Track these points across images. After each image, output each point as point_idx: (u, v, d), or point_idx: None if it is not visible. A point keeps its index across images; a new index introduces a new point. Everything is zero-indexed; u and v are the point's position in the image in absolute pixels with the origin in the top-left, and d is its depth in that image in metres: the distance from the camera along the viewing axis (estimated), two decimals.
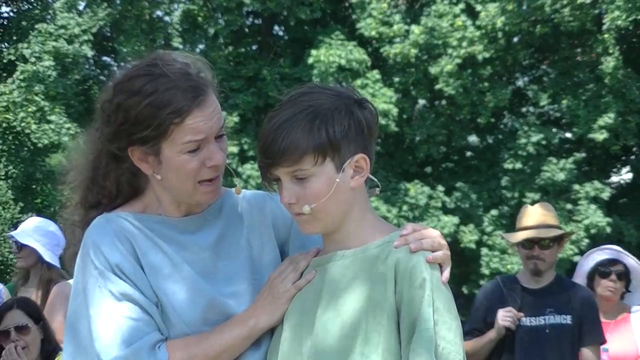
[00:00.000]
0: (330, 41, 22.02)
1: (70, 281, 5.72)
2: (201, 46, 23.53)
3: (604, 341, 5.73)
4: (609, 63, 20.93)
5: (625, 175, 24.95)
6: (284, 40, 24.63)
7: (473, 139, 24.83)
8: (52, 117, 21.48)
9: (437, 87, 22.00)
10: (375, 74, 22.02)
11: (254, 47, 24.40)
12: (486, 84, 22.25)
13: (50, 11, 22.61)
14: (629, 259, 6.20)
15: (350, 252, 2.37)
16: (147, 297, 2.39)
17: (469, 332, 5.68)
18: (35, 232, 6.26)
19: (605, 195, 21.80)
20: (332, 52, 21.57)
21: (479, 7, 21.75)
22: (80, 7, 23.84)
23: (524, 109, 24.44)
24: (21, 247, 6.27)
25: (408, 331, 2.25)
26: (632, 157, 24.24)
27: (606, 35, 20.92)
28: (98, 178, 2.53)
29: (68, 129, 21.54)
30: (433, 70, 21.85)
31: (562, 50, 22.84)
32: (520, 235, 5.77)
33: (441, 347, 2.24)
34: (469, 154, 24.74)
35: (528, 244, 5.73)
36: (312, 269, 2.43)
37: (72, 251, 2.57)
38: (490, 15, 21.41)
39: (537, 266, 5.70)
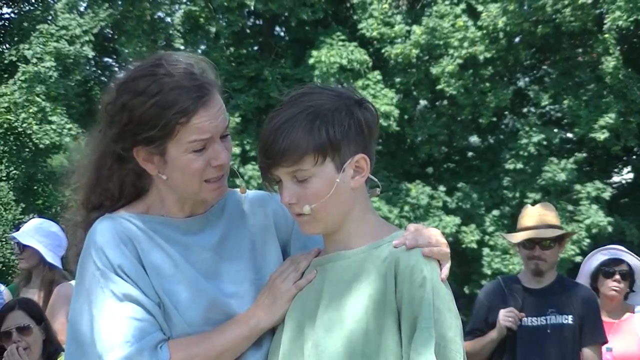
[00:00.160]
0: (332, 42, 22.03)
1: (72, 282, 5.73)
2: (202, 47, 23.54)
3: (605, 341, 5.72)
4: (609, 63, 20.94)
5: (626, 175, 24.95)
6: (285, 41, 24.64)
7: (474, 139, 24.85)
8: (54, 118, 21.50)
9: (439, 87, 22.01)
10: (377, 75, 22.02)
11: (255, 48, 24.41)
12: (487, 84, 22.26)
13: (52, 12, 22.64)
14: (633, 259, 6.19)
15: (350, 253, 2.38)
16: (149, 298, 2.39)
17: (470, 332, 5.68)
18: (37, 233, 6.26)
19: (607, 195, 21.80)
20: (333, 53, 21.58)
21: (480, 8, 21.76)
22: (82, 8, 23.85)
23: (525, 109, 24.45)
24: (23, 248, 6.27)
25: (409, 330, 2.26)
26: (634, 157, 24.24)
27: (607, 35, 20.92)
28: (101, 179, 2.53)
29: (69, 129, 21.56)
30: (434, 70, 21.86)
31: (563, 51, 22.85)
32: (521, 236, 5.76)
33: (441, 346, 2.24)
34: (470, 154, 24.75)
35: (529, 244, 5.72)
36: (313, 269, 2.43)
37: (75, 252, 2.57)
38: (491, 16, 21.42)
39: (538, 266, 5.69)
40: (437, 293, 2.27)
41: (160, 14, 24.61)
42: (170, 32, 24.41)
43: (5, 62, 21.98)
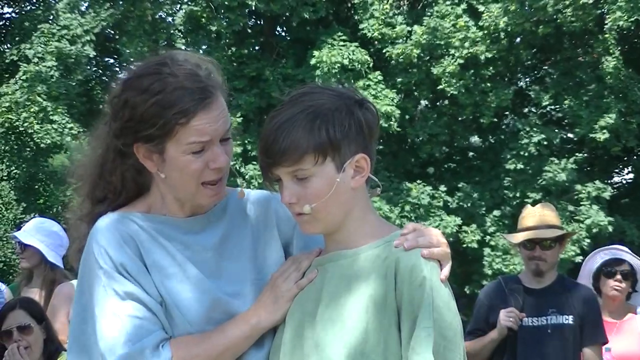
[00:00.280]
0: (333, 42, 22.02)
1: (73, 282, 5.74)
2: (204, 47, 23.53)
3: (605, 341, 5.72)
4: (610, 63, 20.94)
5: (627, 175, 24.95)
6: (287, 41, 24.63)
7: (475, 139, 24.85)
8: (55, 118, 21.52)
9: (440, 87, 21.99)
10: (378, 75, 22.02)
11: (256, 48, 24.40)
12: (488, 85, 22.25)
13: (53, 12, 22.67)
14: (634, 259, 6.19)
15: (351, 252, 2.38)
16: (152, 296, 2.40)
17: (471, 332, 5.68)
18: (39, 233, 6.27)
19: (607, 195, 21.79)
20: (334, 53, 21.57)
21: (481, 8, 21.75)
22: (83, 8, 23.86)
23: (526, 110, 24.44)
24: (24, 247, 6.28)
25: (408, 330, 2.26)
26: (634, 157, 24.23)
27: (608, 36, 20.92)
28: (105, 173, 2.54)
29: (70, 129, 21.57)
30: (435, 70, 21.85)
31: (564, 51, 22.84)
32: (522, 236, 5.75)
33: (441, 345, 2.25)
34: (471, 154, 24.74)
35: (529, 244, 5.72)
36: (314, 268, 2.44)
37: (77, 246, 2.58)
38: (492, 16, 21.41)
39: (539, 267, 5.69)
40: (437, 293, 2.28)
41: (161, 13, 24.61)
42: (172, 32, 24.42)
43: (7, 61, 22.01)
